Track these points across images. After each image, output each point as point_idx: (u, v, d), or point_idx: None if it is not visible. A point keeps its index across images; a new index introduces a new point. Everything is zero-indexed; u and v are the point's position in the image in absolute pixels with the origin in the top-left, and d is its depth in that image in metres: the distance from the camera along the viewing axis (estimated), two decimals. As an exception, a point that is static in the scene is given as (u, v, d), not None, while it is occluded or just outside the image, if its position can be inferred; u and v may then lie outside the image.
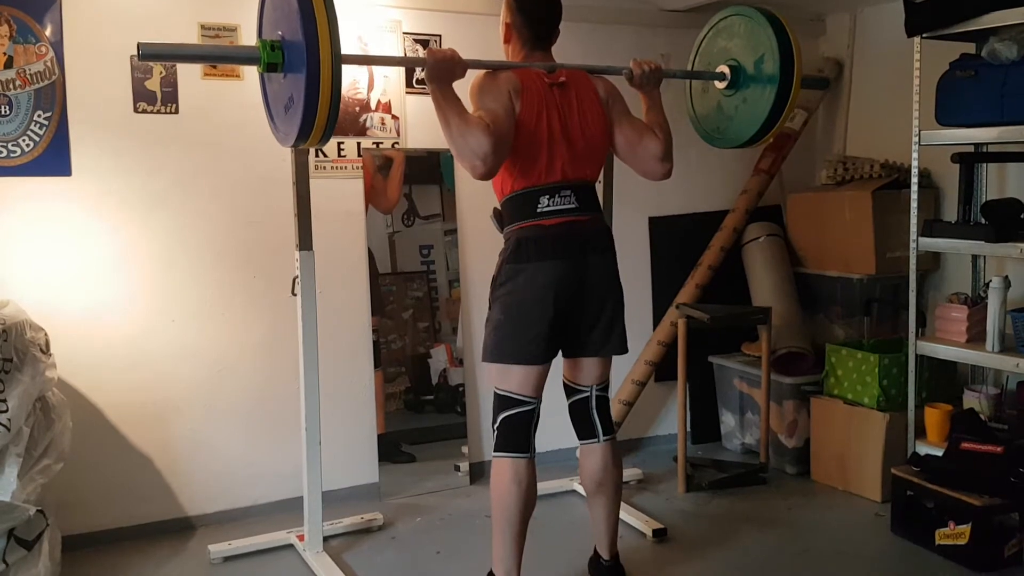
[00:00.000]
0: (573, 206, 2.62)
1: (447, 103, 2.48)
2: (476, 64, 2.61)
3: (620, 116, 2.77)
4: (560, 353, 2.77)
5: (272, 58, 2.24)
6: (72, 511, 3.19)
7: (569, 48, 4.05)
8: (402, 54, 3.72)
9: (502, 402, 2.66)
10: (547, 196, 2.60)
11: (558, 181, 2.61)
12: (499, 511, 2.65)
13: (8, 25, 3.09)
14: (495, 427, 2.68)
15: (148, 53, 2.24)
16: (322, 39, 2.11)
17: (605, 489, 2.84)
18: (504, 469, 2.64)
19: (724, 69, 2.98)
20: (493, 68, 2.65)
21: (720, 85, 2.99)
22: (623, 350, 2.80)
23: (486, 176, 2.50)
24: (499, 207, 2.72)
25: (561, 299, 2.61)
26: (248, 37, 3.42)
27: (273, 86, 2.40)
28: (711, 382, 4.43)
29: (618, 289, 2.75)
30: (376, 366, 3.78)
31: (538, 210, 2.60)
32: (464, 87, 2.56)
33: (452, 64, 2.51)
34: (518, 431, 2.65)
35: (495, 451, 2.68)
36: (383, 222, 3.78)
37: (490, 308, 2.69)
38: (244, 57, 2.36)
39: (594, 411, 2.82)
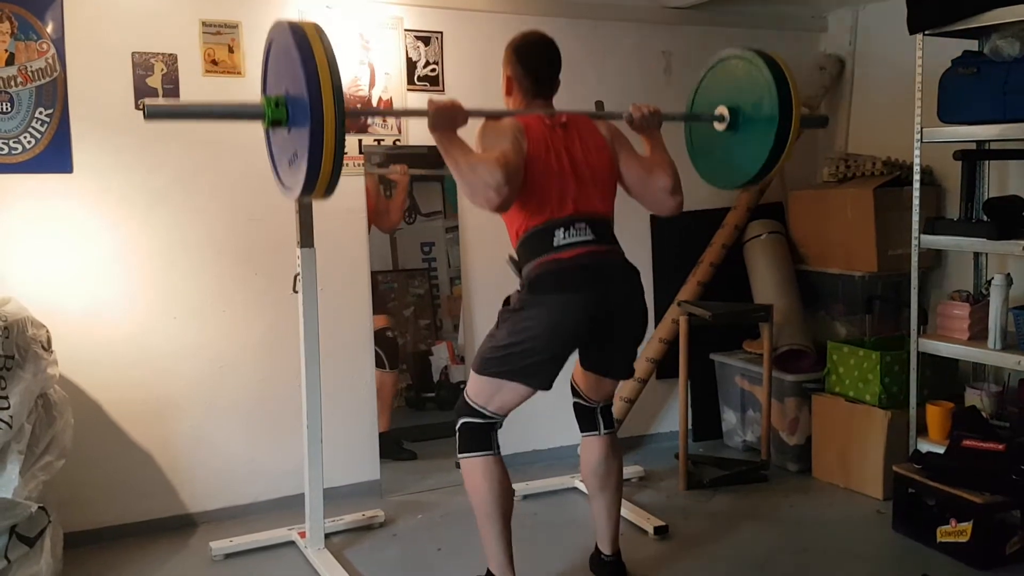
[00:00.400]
0: (589, 237, 2.60)
1: (453, 147, 2.48)
2: (478, 112, 2.63)
3: (627, 154, 2.78)
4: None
5: (277, 115, 2.26)
6: (74, 508, 3.20)
7: (571, 45, 4.05)
8: (403, 51, 3.72)
9: (469, 410, 2.68)
10: (562, 229, 2.58)
11: (571, 214, 2.59)
12: (478, 508, 2.68)
13: (9, 22, 3.09)
14: (457, 429, 2.71)
15: (154, 112, 2.27)
16: (325, 96, 2.13)
17: (606, 482, 2.87)
18: (473, 468, 2.67)
19: (723, 111, 2.98)
20: (496, 115, 2.67)
21: (719, 127, 3.01)
22: (628, 376, 2.89)
23: (502, 207, 2.47)
24: (514, 255, 2.69)
25: (576, 335, 2.60)
26: (249, 33, 3.43)
27: (277, 140, 2.42)
28: (712, 379, 4.43)
29: (644, 326, 2.76)
30: (393, 367, 3.79)
31: (554, 244, 2.57)
32: (469, 132, 2.55)
33: (454, 112, 2.52)
34: (479, 436, 2.68)
35: (459, 453, 2.70)
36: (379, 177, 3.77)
37: (496, 326, 2.66)
38: (249, 114, 2.36)
39: (598, 414, 2.92)
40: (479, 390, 2.66)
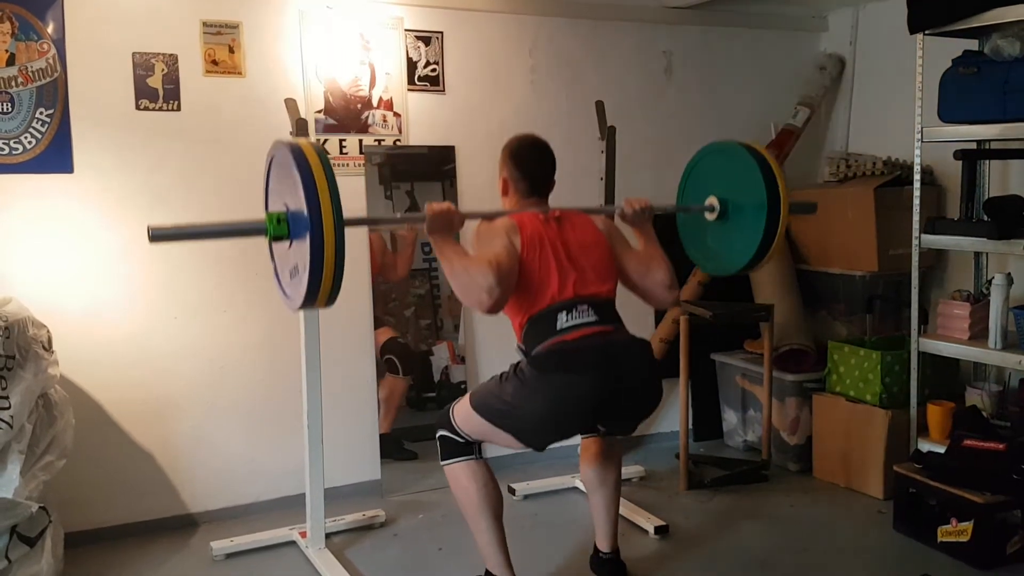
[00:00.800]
0: (593, 319, 2.60)
1: (451, 250, 2.55)
2: (474, 215, 2.71)
3: (624, 248, 2.83)
4: None
5: (278, 231, 2.33)
6: (75, 508, 3.20)
7: (571, 45, 4.07)
8: (404, 51, 3.72)
9: (450, 428, 2.70)
10: (565, 312, 2.59)
11: (572, 297, 2.61)
12: (469, 511, 2.70)
13: (10, 22, 3.09)
14: (436, 438, 2.74)
15: (158, 235, 2.31)
16: (325, 213, 2.19)
17: (604, 480, 2.89)
18: (458, 472, 2.70)
19: (713, 201, 3.02)
20: (491, 216, 2.73)
21: (710, 216, 3.05)
22: (630, 431, 2.92)
23: (493, 309, 2.51)
24: (522, 345, 2.69)
25: (580, 416, 2.60)
26: (250, 33, 3.43)
27: (280, 252, 2.49)
28: (713, 379, 4.43)
29: (656, 403, 2.75)
30: (407, 373, 3.80)
31: (558, 327, 2.58)
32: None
33: (450, 217, 2.57)
34: (461, 445, 2.71)
35: (442, 461, 2.73)
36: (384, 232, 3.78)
37: (504, 379, 2.62)
38: (252, 230, 2.42)
39: None
40: (470, 425, 2.66)
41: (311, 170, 2.21)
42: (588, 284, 2.64)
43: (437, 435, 2.74)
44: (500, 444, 2.68)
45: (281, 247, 2.44)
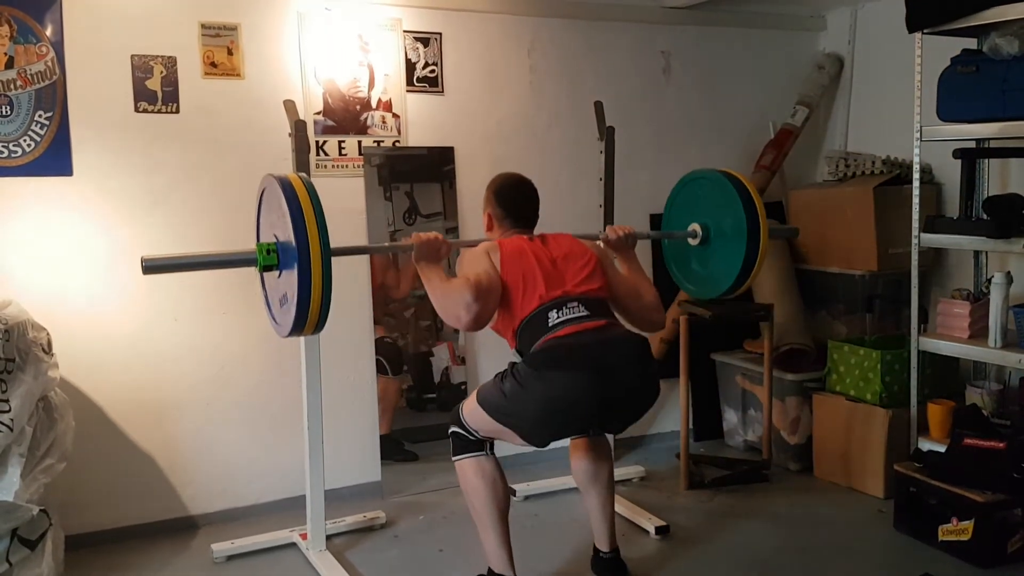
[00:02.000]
0: (584, 314, 2.63)
1: (435, 275, 2.66)
2: (460, 243, 2.83)
3: (613, 271, 2.89)
4: None
5: (268, 261, 2.43)
6: (75, 511, 3.20)
7: (570, 45, 4.07)
8: (402, 52, 3.72)
9: (460, 425, 2.73)
10: (555, 310, 2.62)
11: (560, 295, 2.63)
12: (476, 507, 2.72)
13: (9, 25, 3.09)
14: (448, 434, 2.77)
15: (151, 267, 2.40)
16: (312, 244, 2.29)
17: (596, 478, 2.91)
18: (466, 468, 2.72)
19: (696, 227, 3.12)
20: (476, 245, 2.79)
21: (693, 242, 3.14)
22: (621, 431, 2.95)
23: (472, 325, 2.58)
24: (518, 351, 2.72)
25: (579, 414, 2.60)
26: (248, 35, 3.43)
27: (270, 281, 2.58)
28: (713, 379, 4.43)
29: (653, 400, 2.74)
30: (396, 373, 3.80)
31: (549, 325, 2.60)
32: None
33: (437, 246, 2.66)
34: (472, 441, 2.73)
35: (453, 456, 2.75)
36: (385, 220, 3.78)
37: (504, 377, 2.62)
38: (243, 261, 2.51)
39: None
40: (477, 421, 2.69)
41: (299, 203, 2.31)
42: (577, 284, 2.67)
43: (449, 431, 2.75)
44: (507, 441, 2.69)
45: (271, 276, 2.53)
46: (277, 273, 2.46)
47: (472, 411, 2.69)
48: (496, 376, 2.68)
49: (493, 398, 2.63)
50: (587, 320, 2.61)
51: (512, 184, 2.92)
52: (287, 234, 2.31)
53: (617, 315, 2.83)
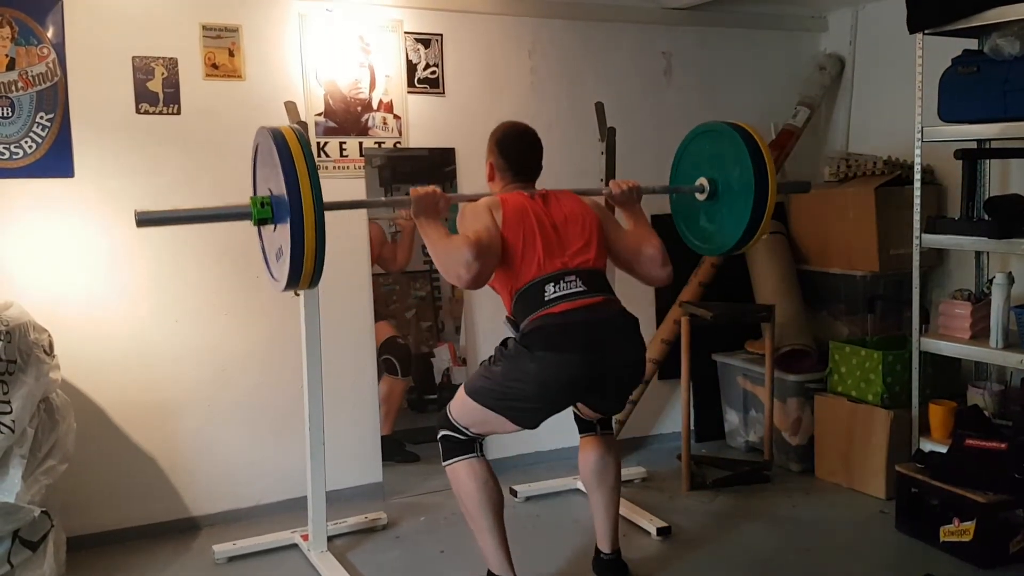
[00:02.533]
0: (581, 289, 2.62)
1: (434, 231, 2.63)
2: (459, 198, 2.77)
3: (615, 228, 2.86)
4: None
5: (262, 214, 2.43)
6: (77, 512, 3.20)
7: (571, 46, 4.07)
8: (403, 53, 3.72)
9: (450, 426, 2.72)
10: (552, 283, 2.61)
11: (559, 269, 2.62)
12: (470, 510, 2.71)
13: (10, 27, 3.10)
14: (438, 439, 2.76)
15: (145, 220, 2.42)
16: (304, 196, 2.28)
17: (603, 480, 2.91)
18: (459, 471, 2.71)
19: (703, 182, 3.08)
20: (476, 199, 2.76)
21: (700, 197, 3.10)
22: (620, 411, 2.91)
23: (472, 284, 2.55)
24: (511, 316, 2.71)
25: (570, 392, 2.63)
26: (250, 37, 3.44)
27: (267, 235, 2.58)
28: (715, 380, 4.42)
29: (640, 376, 2.79)
30: (405, 374, 3.81)
31: (545, 299, 2.59)
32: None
33: (435, 200, 2.64)
34: (462, 444, 2.73)
35: (444, 461, 2.75)
36: (386, 222, 3.78)
37: (493, 362, 2.66)
38: (238, 215, 2.51)
39: (596, 423, 2.97)
40: (466, 414, 2.69)
41: (291, 155, 2.30)
42: (576, 254, 2.66)
43: (438, 436, 2.75)
44: (497, 430, 2.70)
45: (267, 230, 2.51)
46: (272, 227, 2.45)
47: (461, 405, 2.69)
48: (482, 365, 2.70)
49: (484, 385, 2.64)
50: (583, 296, 2.60)
51: (515, 134, 2.87)
52: (280, 187, 2.31)
53: (624, 270, 2.86)
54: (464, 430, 2.70)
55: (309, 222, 2.28)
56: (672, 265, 2.83)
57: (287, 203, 2.28)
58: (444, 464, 2.74)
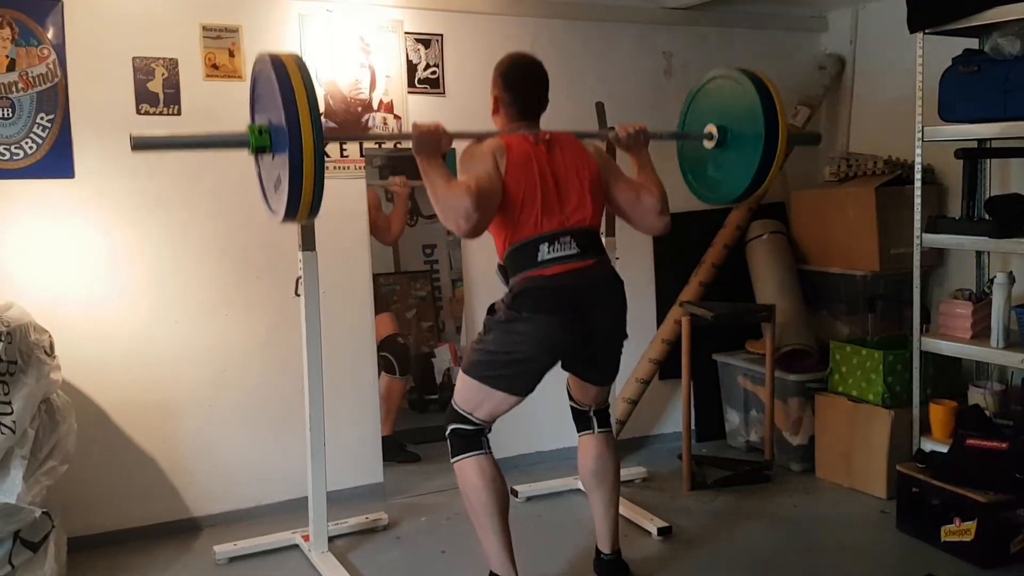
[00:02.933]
0: (574, 252, 2.63)
1: (434, 171, 2.58)
2: (462, 135, 2.71)
3: (614, 176, 2.83)
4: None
5: (260, 142, 2.38)
6: (78, 512, 3.20)
7: (571, 46, 4.07)
8: (404, 54, 3.72)
9: (456, 417, 2.72)
10: (547, 244, 2.62)
11: (556, 229, 2.63)
12: (476, 508, 2.70)
13: (10, 28, 3.10)
14: (446, 436, 2.75)
15: (140, 144, 2.38)
16: (303, 124, 2.24)
17: (602, 479, 2.89)
18: (466, 469, 2.70)
19: (712, 129, 3.05)
20: (480, 137, 2.73)
21: (708, 145, 3.07)
22: (612, 379, 2.92)
23: (471, 234, 2.54)
24: (502, 263, 2.73)
25: (556, 351, 2.65)
26: (249, 38, 3.43)
27: (264, 165, 2.54)
28: (715, 380, 4.42)
29: (623, 335, 2.80)
30: (404, 373, 3.80)
31: (539, 259, 2.61)
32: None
33: (437, 136, 2.60)
34: (469, 439, 2.72)
35: (452, 458, 2.73)
36: (382, 191, 3.77)
37: (485, 331, 2.70)
38: (234, 142, 2.48)
39: (591, 414, 2.95)
40: (467, 396, 2.69)
41: (291, 82, 2.26)
42: (573, 213, 2.66)
43: (447, 432, 2.74)
44: (498, 409, 2.69)
45: (265, 161, 2.47)
46: (271, 156, 2.40)
47: (461, 387, 2.71)
48: (473, 343, 2.72)
49: (478, 358, 2.66)
50: (575, 260, 2.62)
51: (520, 66, 2.81)
52: (279, 115, 2.27)
53: (620, 217, 2.87)
54: (468, 416, 2.69)
55: (308, 151, 2.23)
56: (670, 216, 2.81)
57: (286, 132, 2.23)
58: (452, 461, 2.73)
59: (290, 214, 2.36)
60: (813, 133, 3.11)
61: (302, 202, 2.30)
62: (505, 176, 2.59)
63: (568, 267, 2.61)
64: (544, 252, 2.61)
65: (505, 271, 2.70)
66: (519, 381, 2.64)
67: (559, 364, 2.76)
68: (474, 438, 2.71)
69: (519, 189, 2.60)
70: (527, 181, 2.61)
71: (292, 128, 2.23)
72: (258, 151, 2.39)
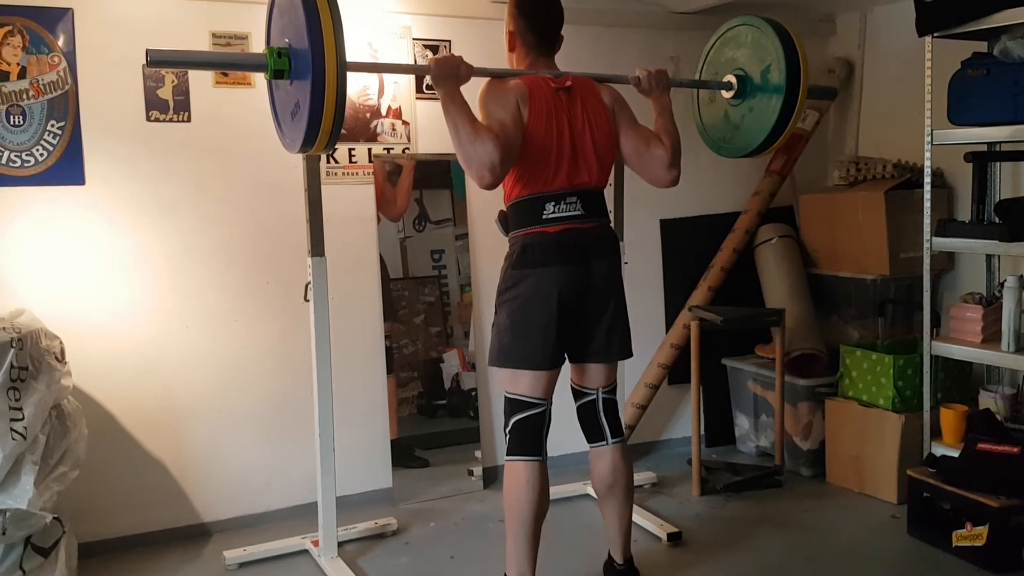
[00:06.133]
0: (578, 213, 2.64)
1: (456, 108, 2.49)
2: (482, 72, 2.63)
3: (627, 123, 2.78)
4: (568, 359, 2.79)
5: (279, 65, 2.27)
6: (88, 518, 3.21)
7: (578, 52, 4.06)
8: (412, 60, 3.73)
9: (513, 405, 2.67)
10: (553, 203, 2.62)
11: (564, 188, 2.62)
12: (513, 515, 2.66)
13: (21, 36, 3.12)
14: (507, 431, 2.69)
15: (156, 60, 2.28)
16: (327, 46, 2.15)
17: (616, 491, 2.84)
18: (518, 472, 2.65)
19: (731, 79, 3.02)
20: (501, 75, 2.67)
21: (727, 95, 3.03)
22: (627, 354, 2.83)
23: (492, 186, 2.50)
24: (504, 209, 2.73)
25: (564, 303, 2.62)
26: (259, 45, 3.44)
27: (280, 92, 2.45)
28: (725, 385, 4.41)
29: (620, 293, 2.77)
30: (388, 372, 3.79)
31: (543, 217, 2.62)
32: (472, 91, 2.57)
33: (456, 65, 2.54)
34: (531, 433, 2.66)
35: (508, 455, 2.69)
36: (394, 227, 3.79)
37: (496, 313, 2.70)
38: (251, 64, 2.40)
39: (601, 414, 2.84)
40: (504, 380, 2.70)
41: (315, 3, 2.17)
42: (582, 172, 2.65)
43: (507, 428, 2.70)
44: (539, 386, 2.65)
45: (282, 87, 2.39)
46: (288, 81, 2.31)
47: (499, 378, 2.73)
48: (492, 331, 2.73)
49: (499, 342, 2.66)
50: (579, 221, 2.63)
51: None
52: (300, 39, 2.17)
53: (627, 165, 2.85)
54: (520, 397, 2.65)
55: (331, 74, 2.13)
56: (680, 169, 2.77)
57: (308, 56, 2.14)
58: (507, 458, 2.68)
59: (307, 143, 2.26)
60: (830, 88, 3.05)
61: (321, 130, 2.21)
62: (527, 125, 2.56)
63: (571, 226, 2.63)
64: (550, 210, 2.61)
65: (506, 219, 2.70)
66: (535, 353, 2.61)
67: (565, 363, 2.74)
68: (535, 437, 2.65)
69: (537, 142, 2.57)
70: (546, 134, 2.58)
71: (316, 50, 2.13)
72: (275, 75, 2.28)
